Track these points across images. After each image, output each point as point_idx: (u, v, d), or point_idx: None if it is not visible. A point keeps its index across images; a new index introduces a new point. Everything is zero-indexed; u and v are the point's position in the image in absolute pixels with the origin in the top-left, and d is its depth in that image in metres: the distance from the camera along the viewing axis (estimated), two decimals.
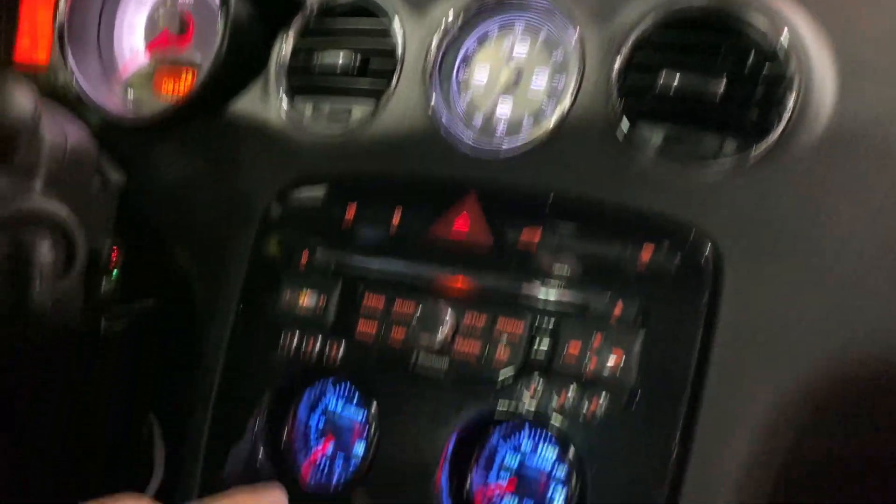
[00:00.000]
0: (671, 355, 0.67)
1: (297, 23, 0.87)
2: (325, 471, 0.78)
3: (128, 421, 1.45)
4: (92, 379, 1.19)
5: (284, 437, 0.79)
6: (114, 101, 0.93)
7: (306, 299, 0.79)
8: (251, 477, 0.77)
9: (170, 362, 1.17)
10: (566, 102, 0.73)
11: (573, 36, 0.75)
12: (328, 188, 0.82)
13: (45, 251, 0.78)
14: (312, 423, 0.80)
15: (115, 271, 0.94)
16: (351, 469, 0.76)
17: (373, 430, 0.75)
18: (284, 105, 0.86)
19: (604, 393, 0.68)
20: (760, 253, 0.67)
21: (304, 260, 0.80)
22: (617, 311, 0.69)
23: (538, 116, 0.76)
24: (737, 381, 0.66)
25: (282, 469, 0.78)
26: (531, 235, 0.73)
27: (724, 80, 0.68)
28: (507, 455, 0.73)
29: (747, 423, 0.65)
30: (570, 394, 0.68)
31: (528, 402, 0.70)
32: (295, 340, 0.79)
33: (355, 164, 0.83)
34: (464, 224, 0.75)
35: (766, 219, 0.68)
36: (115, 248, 0.95)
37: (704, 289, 0.67)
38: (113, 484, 1.48)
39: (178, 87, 0.93)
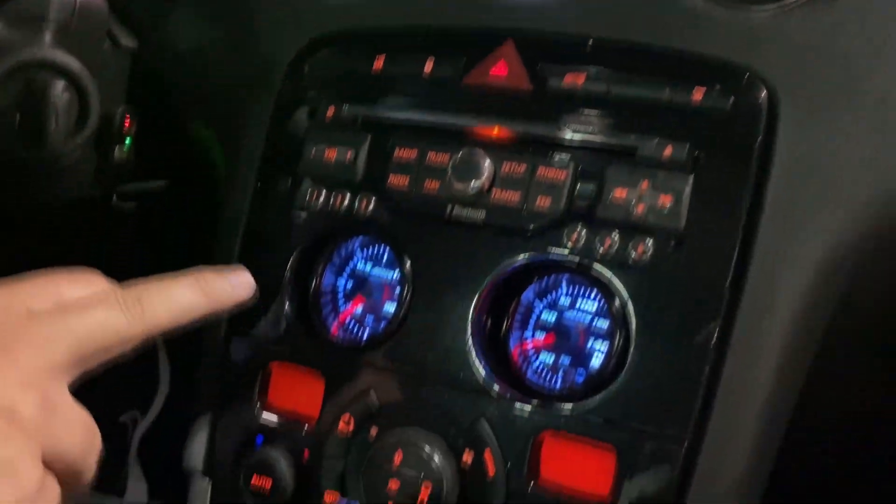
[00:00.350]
0: (722, 200, 0.64)
1: None
2: (356, 330, 0.76)
3: None
4: (101, 262, 1.16)
5: (311, 299, 0.77)
6: None
7: (333, 154, 0.75)
8: (282, 338, 0.75)
9: (184, 246, 1.15)
10: None
11: None
12: (354, 42, 0.78)
13: (58, 91, 0.74)
14: (340, 284, 0.77)
15: (127, 140, 0.91)
16: (382, 327, 0.74)
17: (405, 288, 0.72)
18: None
19: (650, 239, 0.65)
20: (817, 93, 0.64)
21: (329, 114, 0.77)
22: (666, 154, 0.65)
23: None
24: (790, 224, 0.63)
25: (309, 328, 0.75)
26: (574, 79, 0.69)
27: None
28: (545, 309, 0.71)
29: (801, 265, 0.63)
30: (615, 240, 0.66)
31: (570, 251, 0.67)
32: (322, 197, 0.75)
33: (382, 19, 0.79)
34: (501, 70, 0.71)
35: (823, 58, 0.64)
36: (127, 115, 0.91)
37: (758, 131, 0.64)
38: (116, 398, 1.48)
39: None
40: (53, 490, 0.52)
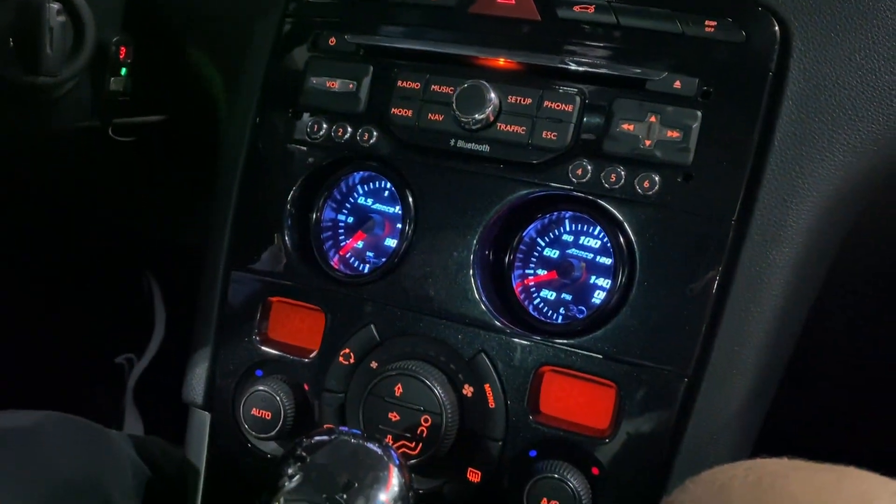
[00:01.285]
0: (731, 134, 0.63)
1: None
2: (357, 265, 0.75)
3: (128, 257, 1.42)
4: (96, 199, 1.15)
5: (312, 233, 0.76)
6: None
7: (335, 85, 0.74)
8: (282, 271, 0.74)
9: (183, 180, 1.13)
10: None
11: None
12: None
13: (53, 14, 0.72)
14: (341, 219, 0.76)
15: (123, 70, 0.89)
16: (383, 262, 0.73)
17: (407, 222, 0.71)
18: None
19: (657, 174, 0.64)
20: (830, 26, 0.63)
21: (331, 43, 0.75)
22: (675, 87, 0.64)
23: None
24: (800, 158, 0.62)
25: (310, 262, 0.74)
26: (584, 9, 0.67)
27: None
28: (548, 246, 0.70)
29: (809, 199, 0.62)
30: (621, 175, 0.65)
31: (576, 185, 0.66)
32: (323, 128, 0.74)
33: None
34: None
35: None
36: (123, 46, 0.88)
37: (770, 64, 0.63)
38: (111, 340, 1.48)
39: None
40: None
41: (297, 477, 0.52)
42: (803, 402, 0.75)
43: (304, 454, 0.53)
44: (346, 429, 0.55)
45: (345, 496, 0.50)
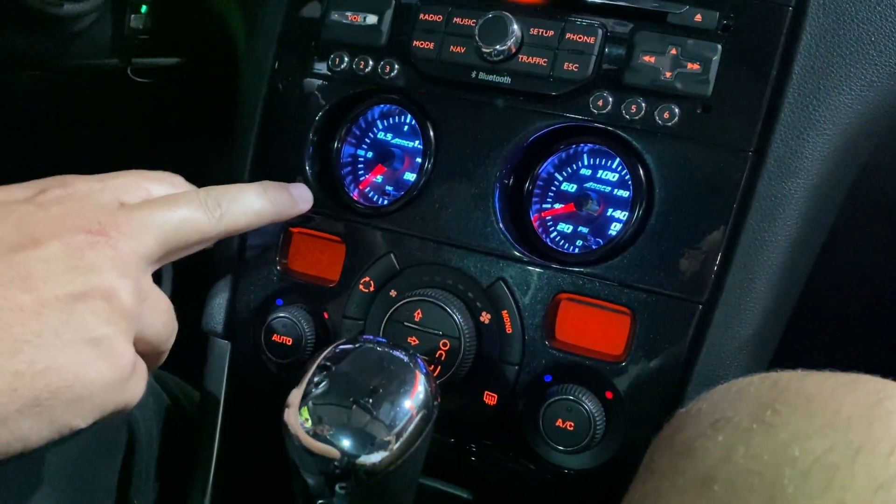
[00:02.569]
0: (750, 67, 0.64)
1: None
2: (376, 199, 0.76)
3: None
4: (114, 141, 1.16)
5: (332, 166, 0.77)
6: None
7: (357, 18, 0.74)
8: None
9: (204, 116, 1.14)
10: None
11: None
12: None
13: None
14: (361, 154, 0.78)
15: (143, 7, 0.89)
16: (402, 194, 0.74)
17: (427, 155, 0.72)
18: None
19: (677, 106, 0.65)
20: None
21: None
22: (696, 20, 0.65)
23: None
24: (818, 91, 0.63)
25: (331, 193, 0.76)
26: None
27: None
28: (567, 178, 0.71)
29: (827, 131, 0.63)
30: (641, 106, 0.66)
31: (597, 115, 0.67)
32: (345, 61, 0.75)
33: None
34: None
35: None
36: None
37: None
38: None
39: None
40: (142, 370, 0.55)
41: (324, 384, 0.53)
42: (816, 335, 0.76)
43: (329, 364, 0.54)
44: (370, 337, 0.56)
45: (370, 401, 0.51)
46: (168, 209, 0.58)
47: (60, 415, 0.48)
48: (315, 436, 0.50)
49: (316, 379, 0.54)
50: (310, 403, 0.52)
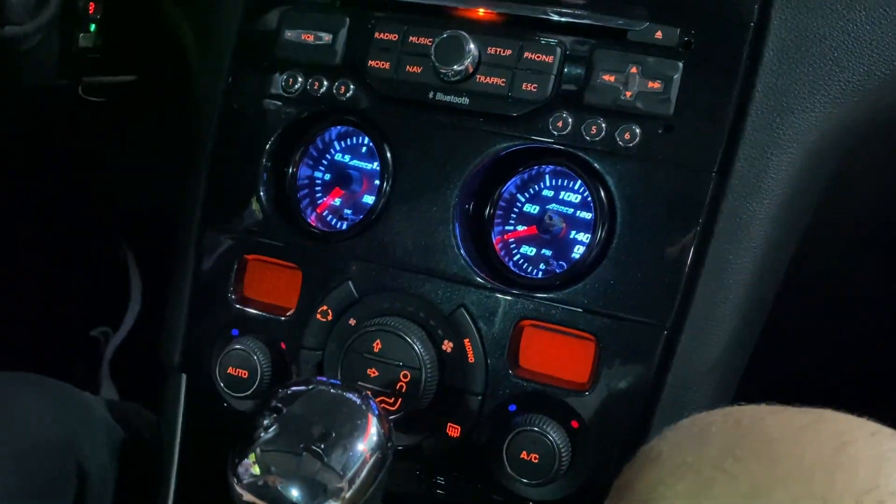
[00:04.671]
0: (712, 84, 0.62)
1: None
2: (334, 222, 0.74)
3: (102, 221, 1.40)
4: (67, 162, 1.13)
5: (288, 190, 0.74)
6: None
7: (311, 37, 0.72)
8: (258, 228, 0.73)
9: (157, 140, 1.11)
10: None
11: None
12: None
13: None
14: (318, 176, 0.75)
15: (92, 25, 0.86)
16: (361, 217, 0.72)
17: (385, 177, 0.70)
18: None
19: (638, 126, 0.63)
20: None
21: None
22: (657, 37, 0.63)
23: None
24: (781, 108, 0.62)
25: (287, 219, 0.73)
26: None
27: None
28: (528, 201, 0.70)
29: (791, 149, 0.62)
30: (602, 127, 0.64)
31: (557, 136, 0.65)
32: (299, 82, 0.72)
33: None
34: None
35: None
36: (91, 1, 0.86)
37: (753, 13, 0.62)
38: (86, 313, 1.46)
39: None
40: None
41: (274, 427, 0.51)
42: (785, 354, 0.75)
43: (280, 405, 0.52)
44: (324, 378, 0.54)
45: (322, 446, 0.49)
46: None
47: None
48: (264, 487, 0.47)
49: (266, 422, 0.52)
50: (258, 450, 0.49)
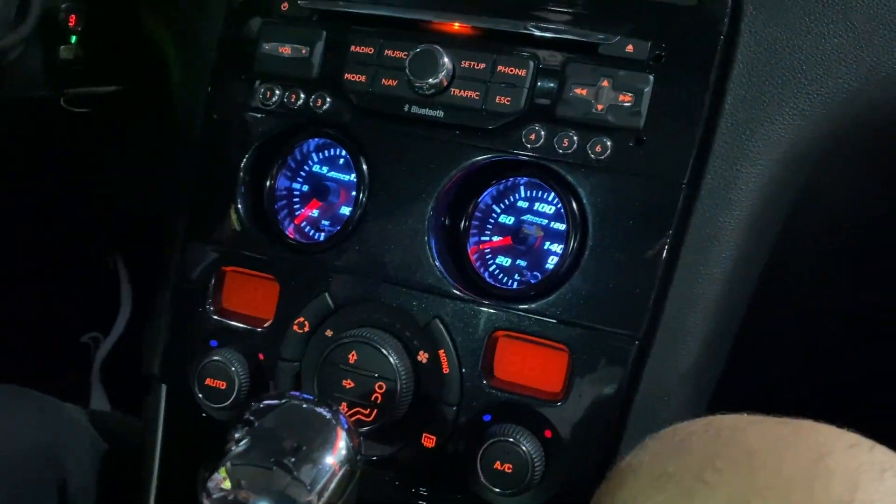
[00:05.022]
0: (682, 98, 0.63)
1: None
2: (311, 233, 0.75)
3: (89, 232, 1.40)
4: (55, 171, 1.13)
5: (266, 202, 0.75)
6: None
7: (288, 51, 0.73)
8: (236, 240, 0.73)
9: (141, 150, 1.12)
10: None
11: None
12: None
13: None
14: (296, 187, 0.76)
15: (73, 38, 0.87)
16: (338, 230, 0.72)
17: (361, 189, 0.71)
18: None
19: (609, 139, 0.64)
20: None
21: (284, 8, 0.74)
22: (628, 51, 0.64)
23: None
24: (751, 121, 0.63)
25: (264, 231, 0.74)
26: None
27: None
28: (504, 212, 0.70)
29: (760, 162, 0.63)
30: (574, 140, 0.65)
31: (530, 149, 0.66)
32: (276, 95, 0.73)
33: None
34: None
35: None
36: (72, 14, 0.86)
37: (722, 28, 0.63)
38: (76, 319, 1.46)
39: None
40: None
41: (245, 441, 0.51)
42: (758, 364, 0.76)
43: (252, 419, 0.53)
44: (297, 393, 0.54)
45: (293, 460, 0.50)
46: None
47: None
48: (234, 501, 0.48)
49: (238, 435, 0.52)
50: (228, 465, 0.50)
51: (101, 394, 1.49)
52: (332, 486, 0.50)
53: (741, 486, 0.39)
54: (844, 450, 0.41)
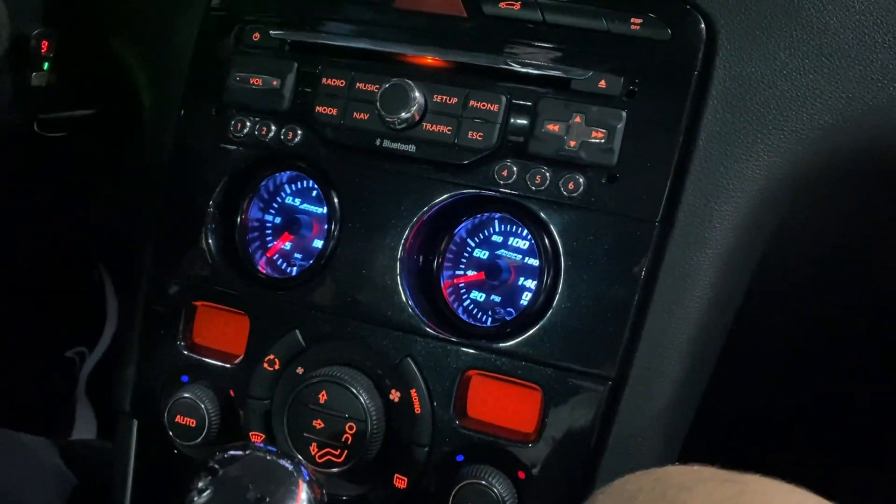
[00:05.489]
0: (655, 134, 0.62)
1: None
2: (284, 266, 0.74)
3: (71, 251, 1.39)
4: (37, 193, 1.12)
5: (237, 235, 0.74)
6: None
7: (259, 82, 0.72)
8: (205, 274, 0.72)
9: (112, 178, 1.11)
10: None
11: None
12: None
13: None
14: (268, 219, 0.75)
15: (45, 64, 0.85)
16: (310, 264, 0.71)
17: (332, 223, 0.70)
18: None
19: (581, 175, 0.63)
20: (756, 25, 0.62)
21: (255, 38, 0.73)
22: (600, 86, 0.63)
23: None
24: (725, 158, 0.62)
25: (235, 265, 0.73)
26: (509, 5, 0.66)
27: None
28: (477, 247, 0.69)
29: (734, 199, 0.62)
30: (546, 176, 0.64)
31: (502, 185, 0.65)
32: (247, 127, 0.72)
33: None
34: None
35: None
36: (44, 40, 0.85)
37: (696, 63, 0.62)
38: (61, 333, 1.45)
39: None
40: None
41: (208, 492, 0.51)
42: (734, 400, 0.75)
43: (216, 467, 0.52)
44: (260, 444, 0.53)
45: None
46: None
47: None
48: None
49: (201, 485, 0.51)
50: None
51: (87, 408, 1.47)
52: None
53: None
54: None
